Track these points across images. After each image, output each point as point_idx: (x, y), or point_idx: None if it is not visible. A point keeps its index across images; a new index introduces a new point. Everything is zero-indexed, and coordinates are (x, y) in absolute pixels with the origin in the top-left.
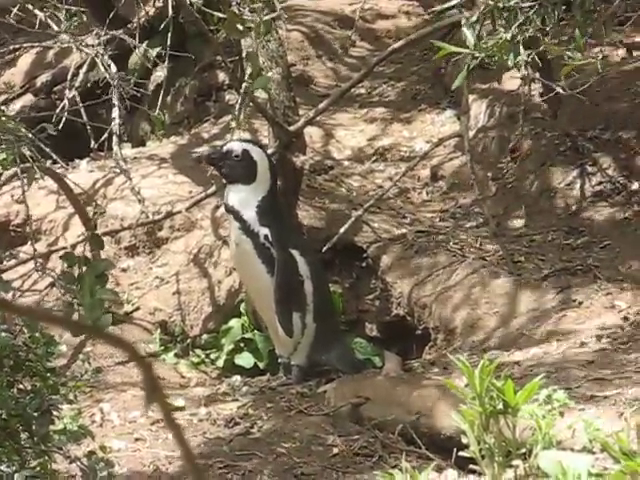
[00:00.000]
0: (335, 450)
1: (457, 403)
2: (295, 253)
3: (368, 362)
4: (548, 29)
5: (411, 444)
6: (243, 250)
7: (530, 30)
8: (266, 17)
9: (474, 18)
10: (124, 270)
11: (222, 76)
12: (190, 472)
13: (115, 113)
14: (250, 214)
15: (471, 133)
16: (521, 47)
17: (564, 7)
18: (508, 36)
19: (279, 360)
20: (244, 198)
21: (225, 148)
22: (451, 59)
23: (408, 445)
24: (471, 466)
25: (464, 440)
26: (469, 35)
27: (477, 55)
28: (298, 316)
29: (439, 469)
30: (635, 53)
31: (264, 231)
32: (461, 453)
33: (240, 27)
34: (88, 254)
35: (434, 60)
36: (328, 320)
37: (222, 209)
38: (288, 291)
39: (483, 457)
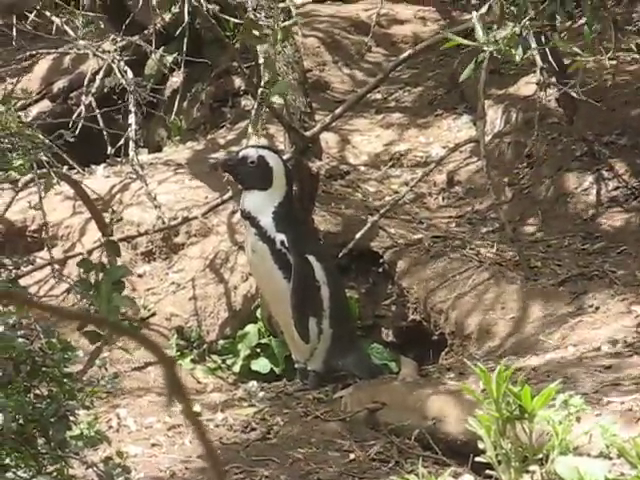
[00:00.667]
0: (351, 456)
1: (473, 408)
2: (312, 259)
3: (384, 367)
4: (558, 25)
5: (427, 449)
6: (260, 256)
7: (540, 24)
8: (283, 24)
9: (483, 10)
10: (140, 276)
11: (238, 82)
12: (211, 469)
13: (131, 119)
14: (266, 220)
15: (487, 138)
16: (532, 41)
17: (574, 3)
18: (517, 30)
19: (295, 365)
20: (260, 204)
21: (241, 154)
22: (467, 65)
23: (424, 450)
24: (487, 471)
25: (480, 445)
26: (479, 28)
27: (486, 48)
28: (315, 322)
29: (455, 474)
30: None
31: (280, 237)
32: (477, 458)
33: (257, 33)
34: (105, 260)
35: (444, 48)
36: (345, 326)
37: (238, 215)
38: (304, 297)
39: (500, 462)
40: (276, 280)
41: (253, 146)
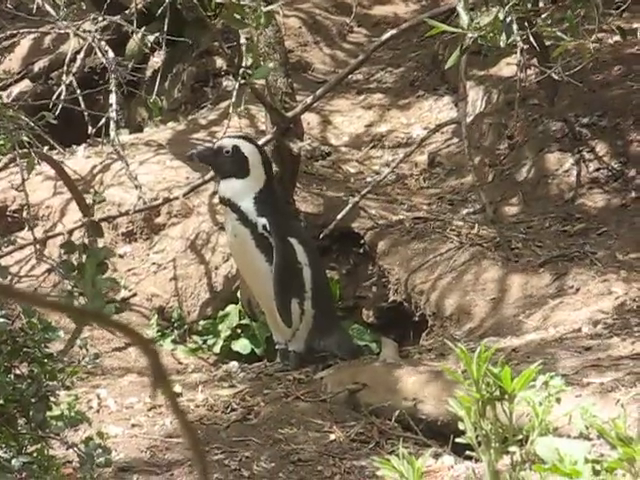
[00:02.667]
0: (332, 436)
1: (454, 389)
2: (293, 241)
3: (365, 348)
4: (541, 9)
5: (408, 430)
6: (241, 240)
7: (522, 10)
8: (266, 8)
9: None
10: (121, 256)
11: (220, 62)
12: (194, 458)
13: (112, 99)
14: (247, 205)
15: (468, 119)
16: (514, 27)
17: None
18: (501, 15)
19: (276, 346)
20: (239, 190)
21: (216, 145)
22: (448, 46)
23: (405, 431)
24: (467, 452)
25: (461, 426)
26: (463, 15)
27: (471, 35)
28: (296, 302)
29: (436, 455)
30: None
31: (262, 221)
32: (458, 439)
33: (238, 17)
34: (86, 241)
35: (428, 37)
36: (327, 306)
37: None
38: (287, 280)
39: (479, 443)
40: (258, 263)
41: (229, 136)
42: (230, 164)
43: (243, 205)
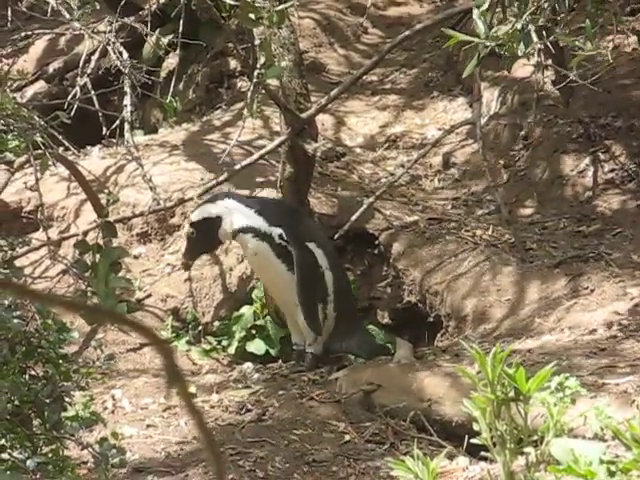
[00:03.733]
0: (347, 437)
1: (469, 390)
2: (312, 246)
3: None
4: (559, 18)
5: (422, 431)
6: (263, 256)
7: (541, 20)
8: (279, 7)
9: (485, 6)
10: (136, 257)
11: (234, 63)
12: (210, 459)
13: (127, 100)
14: (256, 220)
15: (483, 120)
16: (533, 36)
17: None
18: (519, 25)
19: (294, 347)
20: (240, 217)
21: (187, 240)
22: (463, 46)
23: (419, 432)
24: (482, 453)
25: (475, 427)
26: (480, 24)
27: (488, 44)
28: (320, 307)
29: (450, 456)
30: None
31: (277, 231)
32: (472, 440)
33: (252, 16)
34: (100, 241)
35: (445, 47)
36: (348, 308)
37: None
38: (311, 289)
39: (494, 444)
40: (281, 274)
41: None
42: (203, 239)
43: (252, 222)
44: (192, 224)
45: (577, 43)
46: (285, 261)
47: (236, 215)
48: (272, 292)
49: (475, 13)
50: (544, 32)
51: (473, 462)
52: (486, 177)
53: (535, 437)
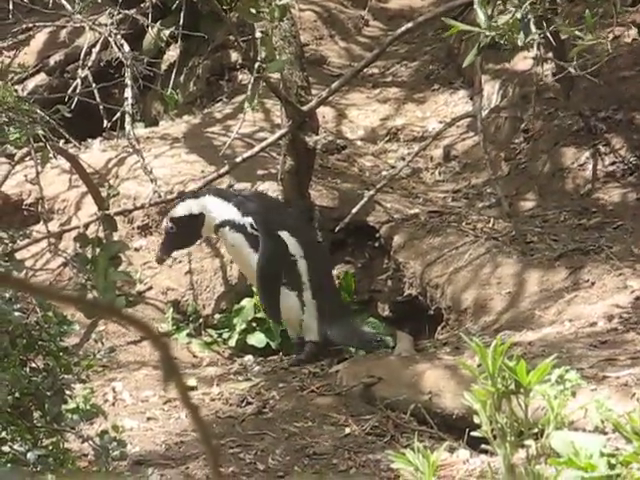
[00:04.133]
0: (347, 430)
1: (469, 383)
2: (285, 234)
3: (381, 342)
4: (559, 10)
5: (423, 424)
6: (238, 246)
7: (540, 9)
8: (280, 2)
9: None
10: (137, 249)
11: (235, 56)
12: (206, 452)
13: (128, 93)
14: (230, 211)
15: (484, 113)
16: (532, 26)
17: None
18: (519, 15)
19: (292, 341)
20: (218, 210)
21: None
22: (464, 39)
23: (420, 425)
24: (483, 446)
25: (476, 420)
26: (480, 13)
27: (488, 34)
28: (295, 295)
29: (451, 449)
30: None
31: (248, 220)
32: (473, 433)
33: (254, 10)
34: (101, 234)
35: (446, 37)
36: (329, 296)
37: (235, 189)
38: (271, 276)
39: (495, 437)
40: (254, 263)
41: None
42: (185, 232)
43: (228, 215)
44: (172, 219)
45: (577, 33)
46: (257, 250)
47: (216, 210)
48: (252, 283)
49: (476, 3)
50: (544, 22)
51: (473, 455)
52: (487, 170)
53: (536, 430)
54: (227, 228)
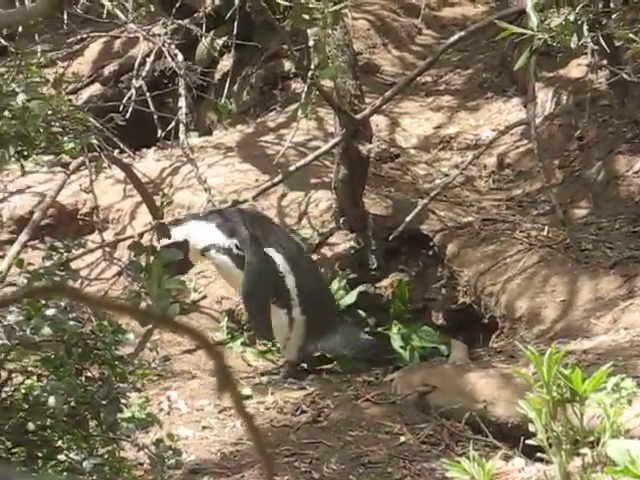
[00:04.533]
0: (402, 439)
1: (524, 391)
2: (271, 251)
3: (435, 350)
4: (613, 14)
5: (478, 432)
6: (226, 269)
7: (593, 12)
8: (333, 8)
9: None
10: None
11: (288, 65)
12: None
13: (182, 102)
14: (215, 234)
15: (537, 121)
16: (585, 29)
17: None
18: (572, 17)
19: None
20: (201, 234)
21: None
22: (517, 47)
23: (475, 433)
24: (538, 454)
25: (531, 428)
26: (533, 17)
27: (541, 37)
28: (284, 312)
29: (506, 457)
30: None
31: (233, 242)
32: (528, 441)
33: (306, 17)
34: (155, 243)
35: (498, 41)
36: (319, 310)
37: (289, 197)
38: (257, 294)
39: (550, 445)
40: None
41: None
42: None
43: (212, 239)
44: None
45: (631, 36)
46: (243, 269)
47: (199, 235)
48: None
49: (529, 6)
50: (597, 25)
51: (529, 463)
52: (541, 178)
53: (591, 438)
54: (213, 251)
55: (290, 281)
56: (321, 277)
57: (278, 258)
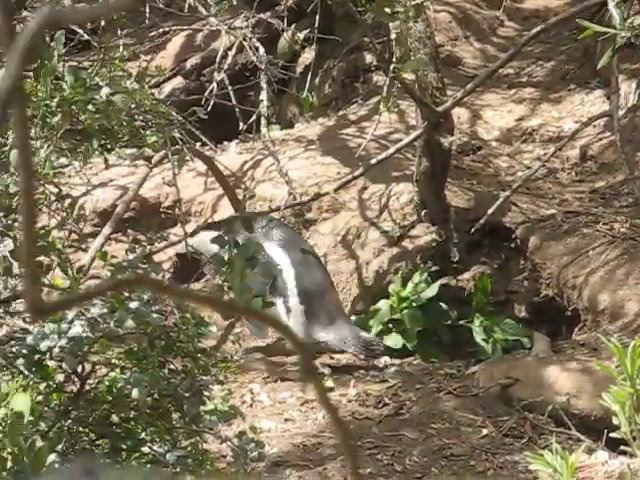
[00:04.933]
0: (484, 431)
1: (607, 384)
2: (272, 245)
3: (517, 343)
4: None
5: (561, 425)
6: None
7: None
8: (415, 1)
9: None
10: None
11: (369, 57)
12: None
13: (263, 95)
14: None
15: (621, 112)
16: None
17: None
18: None
19: None
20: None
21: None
22: (599, 38)
23: (558, 426)
24: (622, 447)
25: (615, 421)
26: (615, 14)
27: (624, 35)
28: (281, 301)
29: (589, 450)
30: None
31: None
32: (612, 434)
33: (388, 10)
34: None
35: (582, 39)
36: (320, 302)
37: (370, 190)
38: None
39: (634, 438)
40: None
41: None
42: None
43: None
44: (177, 255)
45: None
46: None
47: (207, 245)
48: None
49: (611, 4)
50: None
51: (612, 456)
52: (623, 170)
53: None
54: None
55: (289, 273)
56: (328, 278)
57: (279, 251)
